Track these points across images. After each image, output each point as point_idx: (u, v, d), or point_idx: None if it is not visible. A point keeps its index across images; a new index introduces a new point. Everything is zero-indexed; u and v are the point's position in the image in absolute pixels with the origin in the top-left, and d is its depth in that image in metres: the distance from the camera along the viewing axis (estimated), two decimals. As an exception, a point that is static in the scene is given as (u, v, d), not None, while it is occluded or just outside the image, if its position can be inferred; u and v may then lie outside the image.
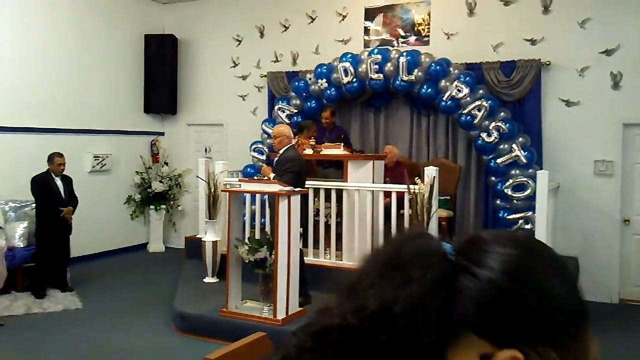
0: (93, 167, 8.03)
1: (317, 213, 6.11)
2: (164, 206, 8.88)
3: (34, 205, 6.42)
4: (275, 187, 4.79)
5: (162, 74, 8.75)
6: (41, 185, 6.22)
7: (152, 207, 8.80)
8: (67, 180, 6.45)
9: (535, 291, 0.61)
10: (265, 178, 5.30)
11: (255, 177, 5.97)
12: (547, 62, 6.65)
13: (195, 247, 6.88)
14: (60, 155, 6.37)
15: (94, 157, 8.04)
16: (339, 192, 5.98)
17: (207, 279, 6.31)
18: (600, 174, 6.49)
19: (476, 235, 0.68)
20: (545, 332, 0.60)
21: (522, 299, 0.60)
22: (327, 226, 6.01)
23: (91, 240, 7.80)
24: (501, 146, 6.37)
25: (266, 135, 7.67)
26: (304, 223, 4.94)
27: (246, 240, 5.19)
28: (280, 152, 5.25)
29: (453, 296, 0.61)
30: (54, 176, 6.33)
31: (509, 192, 6.35)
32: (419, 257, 0.63)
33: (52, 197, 6.24)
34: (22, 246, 6.44)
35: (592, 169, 6.53)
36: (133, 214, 8.74)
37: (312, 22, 8.05)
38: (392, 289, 0.61)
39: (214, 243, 6.32)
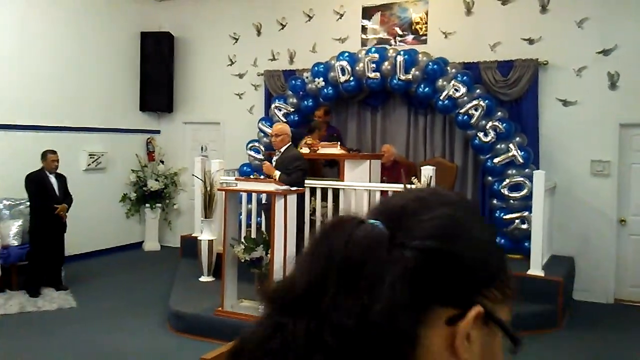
0: (88, 165, 7.99)
1: (313, 212, 6.09)
2: (159, 205, 8.85)
3: (28, 203, 6.38)
4: (272, 186, 4.76)
5: (158, 72, 8.71)
6: (35, 182, 6.18)
7: (147, 205, 8.77)
8: (61, 178, 6.42)
9: (472, 245, 0.64)
10: (262, 177, 5.27)
11: (251, 176, 5.95)
12: (545, 62, 6.65)
13: (190, 246, 6.86)
14: (53, 152, 6.34)
15: (90, 155, 8.00)
16: (336, 192, 5.96)
17: (203, 278, 6.28)
18: (597, 174, 6.49)
19: (403, 207, 0.65)
20: (487, 277, 0.64)
21: (464, 256, 0.62)
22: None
23: (86, 238, 7.76)
24: (498, 146, 6.36)
25: (263, 134, 7.65)
26: (301, 222, 4.92)
27: (242, 240, 5.17)
28: (282, 150, 5.23)
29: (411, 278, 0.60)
30: (48, 174, 6.29)
31: (506, 192, 6.34)
32: (370, 255, 0.60)
33: (46, 194, 6.21)
34: (17, 244, 6.40)
35: (588, 169, 6.52)
36: (128, 212, 8.71)
37: (309, 20, 8.02)
38: (360, 298, 0.58)
39: (210, 242, 6.30)
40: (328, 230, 0.64)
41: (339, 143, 6.29)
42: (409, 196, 0.68)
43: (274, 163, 5.37)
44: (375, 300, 0.57)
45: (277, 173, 5.07)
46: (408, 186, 5.28)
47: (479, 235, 0.66)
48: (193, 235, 7.07)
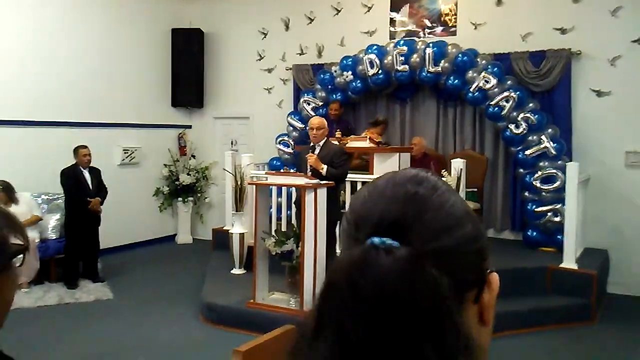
0: (122, 160, 8.16)
1: (343, 205, 6.11)
2: (191, 198, 8.99)
3: (64, 197, 6.56)
4: (302, 180, 4.81)
5: (189, 68, 8.83)
6: (69, 177, 6.35)
7: (179, 199, 8.92)
8: (95, 172, 6.57)
9: (471, 223, 0.67)
10: (292, 170, 5.31)
11: (281, 170, 6.00)
12: (578, 52, 6.53)
13: (222, 239, 6.96)
14: (84, 147, 6.49)
15: (124, 150, 8.17)
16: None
17: (235, 271, 6.38)
18: (632, 165, 6.36)
19: (404, 213, 0.63)
20: (485, 247, 0.68)
21: (472, 238, 0.65)
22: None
23: (121, 231, 7.95)
24: (530, 137, 6.28)
25: (292, 128, 7.70)
26: (335, 216, 4.91)
27: (273, 233, 5.23)
28: (320, 143, 5.24)
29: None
30: (81, 168, 6.44)
31: (538, 184, 6.26)
32: (407, 285, 0.57)
33: (80, 189, 6.37)
34: (55, 238, 6.60)
35: (623, 160, 6.40)
36: (161, 206, 8.88)
37: (337, 14, 8.02)
38: (422, 337, 0.57)
39: (241, 235, 6.38)
40: (350, 272, 0.59)
41: (367, 137, 6.29)
42: (397, 196, 0.65)
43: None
44: (441, 334, 0.57)
45: (325, 167, 5.08)
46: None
47: (467, 209, 0.68)
48: (224, 228, 7.18)
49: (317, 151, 5.21)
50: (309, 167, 5.14)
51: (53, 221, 6.65)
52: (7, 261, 0.88)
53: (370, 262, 0.58)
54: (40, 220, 6.40)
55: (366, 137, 6.25)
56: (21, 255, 0.90)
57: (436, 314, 0.56)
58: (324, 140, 5.25)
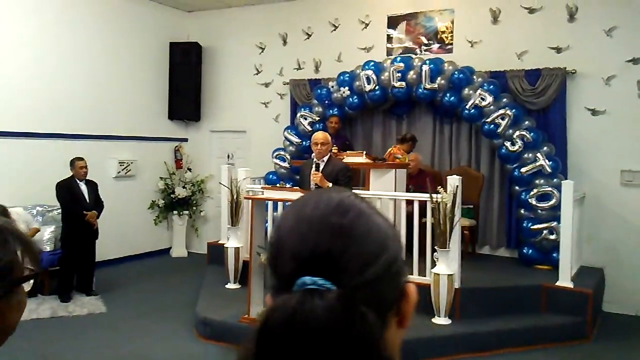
0: (118, 172, 8.15)
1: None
2: (186, 212, 8.97)
3: (60, 210, 6.54)
4: (297, 195, 4.80)
5: (186, 81, 8.86)
6: (65, 190, 6.32)
7: (175, 212, 8.90)
8: (92, 185, 6.55)
9: (395, 241, 0.71)
10: (288, 185, 5.30)
11: (277, 185, 6.00)
12: (573, 71, 6.58)
13: (217, 253, 6.94)
14: (81, 159, 6.47)
15: (119, 162, 8.16)
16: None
17: (229, 285, 6.35)
18: (627, 184, 6.39)
19: (330, 249, 0.65)
20: (402, 257, 0.73)
21: (396, 258, 0.70)
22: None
23: (115, 244, 7.91)
24: (525, 155, 6.31)
25: (288, 143, 7.71)
26: None
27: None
28: (324, 159, 5.21)
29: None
30: (78, 181, 6.42)
31: (533, 202, 6.28)
32: (340, 327, 0.60)
33: (76, 201, 6.34)
34: (49, 250, 6.56)
35: (618, 179, 6.43)
36: (157, 219, 8.85)
37: (334, 30, 8.08)
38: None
39: (236, 249, 6.36)
40: (286, 318, 0.61)
41: (364, 152, 6.31)
42: (324, 229, 0.66)
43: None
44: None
45: (329, 184, 5.01)
46: (433, 195, 5.27)
47: (390, 227, 0.71)
48: (219, 242, 7.16)
49: (321, 167, 5.17)
50: (312, 184, 5.10)
51: (47, 233, 6.61)
52: (14, 286, 0.86)
53: (307, 308, 0.60)
54: (38, 231, 6.37)
55: (362, 153, 6.26)
56: (32, 281, 0.88)
57: (366, 351, 0.60)
58: (327, 156, 5.22)
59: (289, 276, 0.65)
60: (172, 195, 8.82)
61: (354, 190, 5.07)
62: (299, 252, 0.66)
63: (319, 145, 5.17)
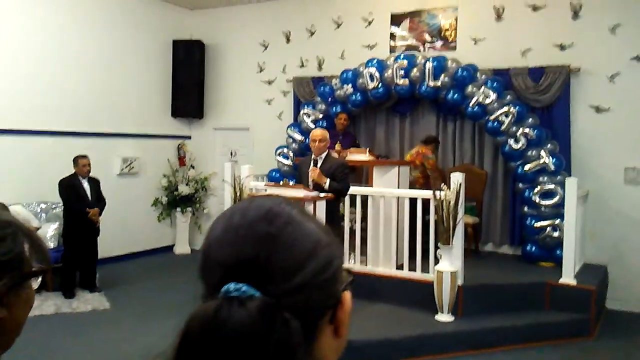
0: (122, 169, 8.17)
1: (342, 218, 6.11)
2: (190, 209, 8.99)
3: (62, 207, 6.56)
4: (301, 193, 4.81)
5: (189, 79, 8.87)
6: (68, 187, 6.33)
7: (178, 209, 8.92)
8: (94, 182, 6.56)
9: (327, 255, 0.69)
10: (291, 182, 5.31)
11: (281, 182, 6.00)
12: (577, 68, 6.56)
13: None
14: (84, 156, 6.48)
15: (123, 160, 8.18)
16: (364, 198, 5.97)
17: (232, 282, 6.35)
18: (631, 181, 6.38)
19: (256, 255, 0.65)
20: (338, 273, 0.72)
21: (329, 263, 0.69)
22: (352, 231, 6.01)
23: (119, 241, 7.94)
24: (529, 153, 6.30)
25: (291, 140, 7.72)
26: (334, 229, 4.89)
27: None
28: (322, 156, 5.22)
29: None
30: (80, 178, 6.43)
31: (537, 199, 6.27)
32: (263, 331, 0.61)
33: (78, 199, 6.35)
34: (53, 247, 6.58)
35: (622, 176, 6.41)
36: (160, 216, 8.87)
37: (338, 27, 8.08)
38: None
39: (240, 246, 6.36)
40: (206, 326, 0.62)
41: (367, 149, 6.31)
42: (250, 237, 0.67)
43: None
44: None
45: (327, 180, 5.05)
46: (437, 192, 5.27)
47: (322, 235, 0.70)
48: (223, 239, 7.15)
49: (319, 164, 5.18)
50: (310, 180, 5.12)
51: (51, 230, 6.64)
52: (22, 280, 0.86)
53: (224, 316, 0.60)
54: (38, 229, 6.39)
55: (365, 150, 6.27)
56: (40, 278, 0.89)
57: (286, 359, 0.60)
58: (325, 153, 5.24)
59: (216, 284, 0.65)
60: (175, 193, 8.84)
61: (360, 188, 5.05)
62: (225, 260, 0.66)
63: (317, 142, 5.19)
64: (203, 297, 0.68)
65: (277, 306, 0.62)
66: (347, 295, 0.71)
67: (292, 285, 0.64)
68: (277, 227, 0.67)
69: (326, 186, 4.99)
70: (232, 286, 0.63)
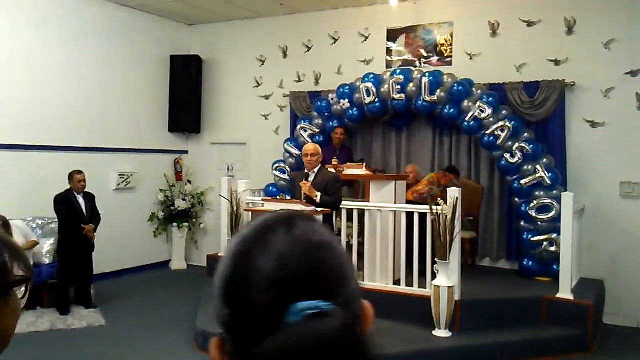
0: (118, 185, 8.15)
1: (338, 233, 6.10)
2: (186, 224, 8.96)
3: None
4: (298, 207, 4.81)
5: (186, 94, 8.89)
6: (62, 203, 6.30)
7: (175, 224, 8.89)
8: (89, 198, 6.53)
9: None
10: (288, 197, 5.31)
11: (278, 197, 6.00)
12: (572, 83, 6.61)
13: (217, 265, 6.89)
14: (80, 172, 6.46)
15: (120, 175, 8.16)
16: (361, 212, 5.97)
17: (229, 298, 6.31)
18: (627, 195, 6.40)
19: (315, 268, 0.61)
20: None
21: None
22: (349, 246, 6.00)
23: (115, 257, 7.90)
24: (525, 167, 6.32)
25: (288, 155, 7.73)
26: None
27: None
28: (315, 170, 5.24)
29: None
30: (75, 194, 6.40)
31: (533, 214, 6.28)
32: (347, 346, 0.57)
33: (74, 214, 6.32)
34: (48, 262, 6.54)
35: (618, 190, 6.43)
36: (156, 231, 8.84)
37: (334, 42, 8.13)
38: None
39: (236, 262, 6.33)
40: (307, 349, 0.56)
41: (364, 164, 6.33)
42: (299, 246, 0.63)
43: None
44: None
45: (319, 194, 5.06)
46: (434, 207, 5.27)
47: (337, 239, 0.70)
48: (219, 254, 7.14)
49: (311, 178, 5.21)
50: (302, 194, 5.14)
51: (47, 246, 6.60)
52: (7, 290, 0.86)
53: (317, 334, 0.56)
54: (37, 244, 6.37)
55: (362, 165, 6.28)
56: (23, 287, 0.89)
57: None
58: (318, 167, 5.26)
59: (274, 303, 0.59)
60: (172, 208, 8.82)
61: (355, 203, 5.05)
62: (281, 276, 0.60)
63: (309, 156, 5.25)
64: (238, 331, 0.62)
65: (354, 317, 0.60)
66: (367, 304, 0.68)
67: (349, 294, 0.62)
68: (322, 236, 0.65)
69: (317, 200, 5.01)
70: (303, 305, 0.58)
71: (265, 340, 0.56)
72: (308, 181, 5.15)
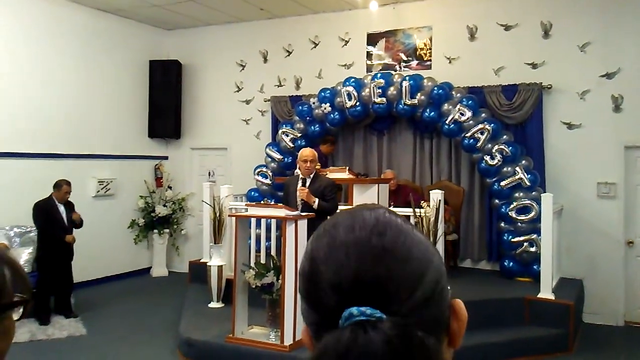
0: (97, 191, 8.05)
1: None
2: (167, 230, 8.88)
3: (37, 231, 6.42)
4: (282, 212, 4.80)
5: (166, 99, 8.83)
6: (43, 211, 6.20)
7: (155, 231, 8.80)
8: (69, 206, 6.44)
9: (437, 262, 0.67)
10: (271, 202, 5.29)
11: (261, 202, 5.98)
12: (549, 86, 6.72)
13: (199, 272, 6.87)
14: (69, 183, 6.35)
15: (99, 181, 8.06)
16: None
17: (212, 304, 6.29)
18: (603, 196, 6.52)
19: (374, 280, 0.60)
20: (446, 282, 0.69)
21: (439, 276, 0.66)
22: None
23: (95, 265, 7.79)
24: (504, 169, 6.40)
25: (270, 159, 7.72)
26: None
27: (253, 265, 5.18)
28: (311, 176, 5.22)
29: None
30: (57, 202, 6.31)
31: (513, 215, 6.36)
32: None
33: (54, 223, 6.22)
34: (27, 272, 6.42)
35: (595, 191, 6.55)
36: (136, 238, 8.74)
37: (315, 47, 8.15)
38: None
39: (220, 268, 6.32)
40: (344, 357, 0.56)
41: (347, 168, 6.34)
42: (363, 254, 0.62)
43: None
44: None
45: (317, 200, 5.04)
46: (417, 210, 5.32)
47: (427, 240, 0.68)
48: (201, 260, 7.09)
49: (307, 183, 5.18)
50: (298, 200, 5.10)
51: (25, 255, 6.49)
52: (4, 311, 0.84)
53: (358, 345, 0.56)
54: (7, 249, 6.24)
55: (345, 168, 6.30)
56: (21, 309, 0.86)
57: None
58: (314, 172, 5.24)
59: (333, 310, 0.60)
60: (152, 214, 8.73)
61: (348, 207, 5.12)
62: (340, 282, 0.61)
63: (308, 162, 5.15)
64: (316, 325, 0.63)
65: (409, 325, 0.58)
66: (459, 305, 0.67)
67: (417, 301, 0.61)
68: (391, 240, 0.63)
69: (315, 205, 4.98)
70: (355, 311, 0.58)
71: (323, 336, 0.58)
72: (305, 187, 5.11)
